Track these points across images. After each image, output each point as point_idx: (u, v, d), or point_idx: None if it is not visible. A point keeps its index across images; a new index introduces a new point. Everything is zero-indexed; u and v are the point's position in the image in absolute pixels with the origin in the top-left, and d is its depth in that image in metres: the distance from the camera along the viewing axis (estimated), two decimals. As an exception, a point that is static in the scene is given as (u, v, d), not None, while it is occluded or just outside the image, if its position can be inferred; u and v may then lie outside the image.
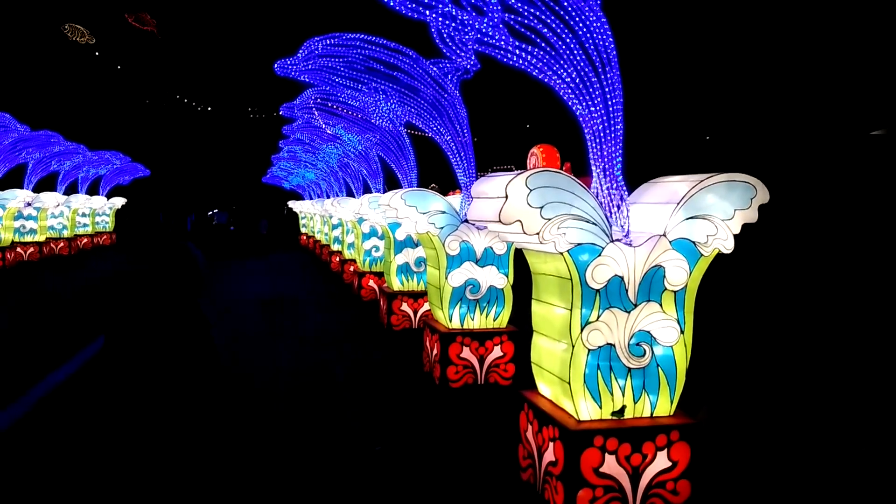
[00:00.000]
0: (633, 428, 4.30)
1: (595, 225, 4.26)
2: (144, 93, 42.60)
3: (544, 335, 4.71)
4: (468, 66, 4.78)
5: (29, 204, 21.07)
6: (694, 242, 4.36)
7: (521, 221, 4.06)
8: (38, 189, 22.41)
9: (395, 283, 10.44)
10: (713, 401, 6.65)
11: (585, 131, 4.54)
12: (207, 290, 4.68)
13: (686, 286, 4.42)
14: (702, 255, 4.39)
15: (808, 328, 10.77)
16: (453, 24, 4.45)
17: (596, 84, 4.48)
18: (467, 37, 4.44)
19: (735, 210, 4.34)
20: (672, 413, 4.48)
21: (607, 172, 4.53)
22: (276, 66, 7.27)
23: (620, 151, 4.54)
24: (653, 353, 4.40)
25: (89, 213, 28.23)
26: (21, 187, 20.83)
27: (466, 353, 7.32)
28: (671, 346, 4.42)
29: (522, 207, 4.06)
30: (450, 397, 7.03)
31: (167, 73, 42.48)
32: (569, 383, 4.31)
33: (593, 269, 4.25)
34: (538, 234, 4.10)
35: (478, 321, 7.48)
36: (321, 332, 10.36)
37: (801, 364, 8.65)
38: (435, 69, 7.29)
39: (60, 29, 36.47)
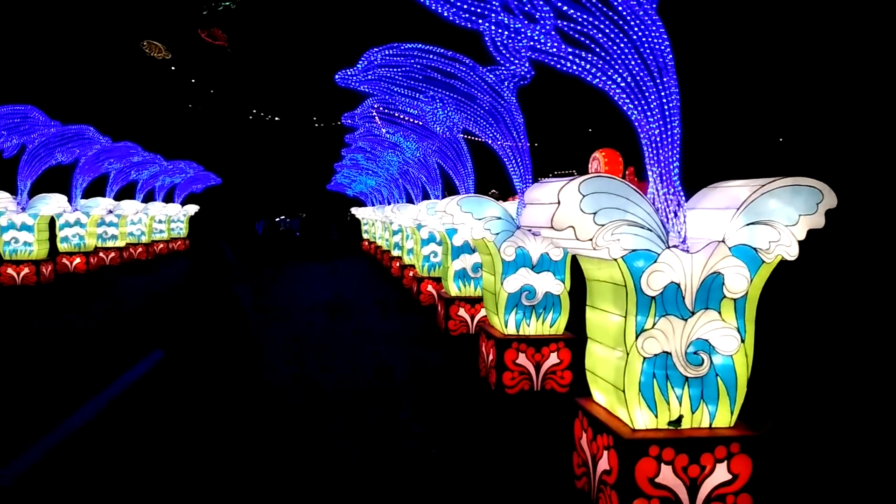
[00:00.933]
0: (691, 438, 4.20)
1: (650, 231, 4.20)
2: (216, 104, 44.44)
3: (599, 342, 4.67)
4: (524, 74, 4.79)
5: (111, 211, 22.31)
6: (755, 249, 4.24)
7: (573, 227, 4.05)
8: (118, 197, 23.69)
9: (453, 289, 10.51)
10: (778, 413, 6.40)
11: (641, 137, 4.49)
12: (240, 278, 4.96)
13: (747, 294, 4.29)
14: (764, 261, 4.26)
15: (877, 337, 10.20)
16: (506, 33, 4.48)
17: (652, 89, 4.42)
18: (521, 45, 4.47)
19: (800, 215, 4.19)
20: (732, 424, 4.35)
21: (664, 178, 4.46)
22: (336, 77, 7.49)
23: (678, 156, 4.47)
24: (711, 362, 4.29)
25: (165, 219, 29.63)
26: (103, 196, 22.08)
27: (522, 359, 7.31)
28: (731, 356, 4.30)
29: (575, 213, 4.05)
30: (505, 403, 7.04)
31: (238, 85, 44.19)
32: (623, 391, 4.26)
33: (648, 276, 4.19)
34: (591, 240, 4.08)
35: (534, 327, 7.45)
36: (380, 337, 10.54)
37: (870, 375, 8.21)
38: (491, 76, 7.34)
39: (139, 46, 38.52)
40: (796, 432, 6.12)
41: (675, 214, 4.39)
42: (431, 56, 7.31)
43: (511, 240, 7.33)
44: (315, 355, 9.26)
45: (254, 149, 46.12)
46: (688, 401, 4.30)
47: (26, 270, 16.29)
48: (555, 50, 4.40)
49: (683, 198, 4.46)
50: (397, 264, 17.81)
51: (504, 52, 4.66)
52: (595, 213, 4.06)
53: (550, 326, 7.49)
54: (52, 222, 18.32)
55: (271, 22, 41.09)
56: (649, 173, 4.52)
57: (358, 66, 7.38)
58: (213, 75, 43.13)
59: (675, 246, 4.28)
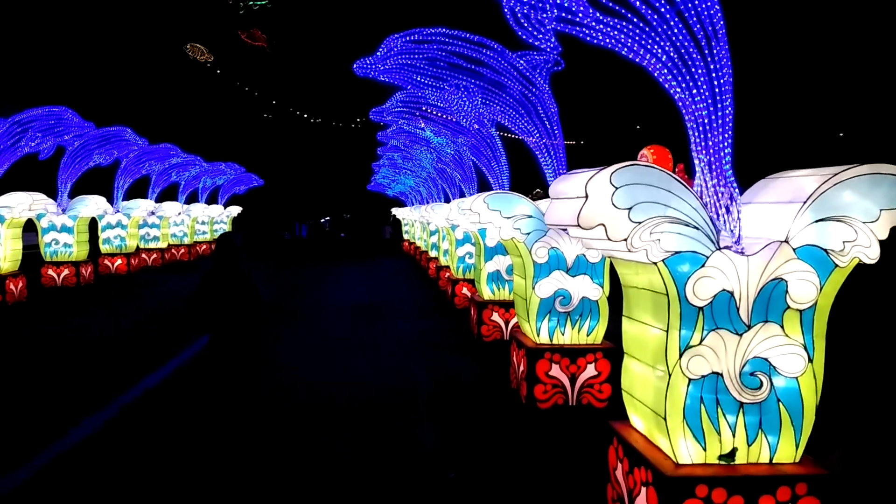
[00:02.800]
0: (747, 477, 3.53)
1: (697, 229, 3.54)
2: (258, 106, 44.91)
3: (636, 359, 4.03)
4: (548, 48, 4.19)
5: (152, 213, 22.50)
6: (826, 250, 3.54)
7: (604, 225, 3.43)
8: (161, 199, 23.92)
9: (486, 292, 9.93)
10: (850, 446, 5.59)
11: (686, 118, 3.83)
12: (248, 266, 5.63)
13: (815, 304, 3.59)
14: (836, 265, 3.55)
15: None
16: (530, 1, 3.89)
17: (699, 62, 3.76)
18: (545, 15, 3.87)
19: (881, 210, 3.48)
20: (797, 460, 3.66)
21: (714, 167, 3.80)
22: (355, 66, 7.00)
23: (730, 142, 3.80)
24: (772, 384, 3.61)
25: (208, 220, 29.90)
26: (146, 198, 22.29)
27: (556, 370, 6.67)
28: (796, 378, 3.61)
29: (606, 209, 3.43)
30: (536, 419, 6.42)
31: (279, 86, 44.54)
32: (664, 418, 3.61)
33: (695, 283, 3.54)
34: (625, 240, 3.45)
35: (569, 336, 6.81)
36: (409, 342, 10.04)
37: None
38: (522, 62, 6.74)
39: (181, 48, 39.21)
40: (872, 469, 5.32)
41: (728, 210, 3.72)
42: (456, 41, 6.76)
43: (543, 240, 6.71)
44: (338, 360, 8.81)
45: (295, 150, 46.43)
46: (743, 431, 3.62)
47: (66, 272, 16.43)
48: (586, 20, 3.78)
49: (737, 191, 3.78)
50: (434, 265, 17.32)
51: (526, 25, 4.07)
52: (630, 209, 3.44)
53: (587, 335, 6.84)
54: (93, 224, 18.50)
55: (315, 23, 41.26)
56: (696, 161, 3.87)
57: (377, 53, 6.88)
58: (254, 76, 43.59)
59: (727, 247, 3.62)
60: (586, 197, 3.44)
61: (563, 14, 3.76)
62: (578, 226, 3.49)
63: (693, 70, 3.76)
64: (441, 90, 7.20)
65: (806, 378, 3.62)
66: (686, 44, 3.67)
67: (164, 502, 4.68)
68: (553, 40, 4.16)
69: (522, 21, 4.08)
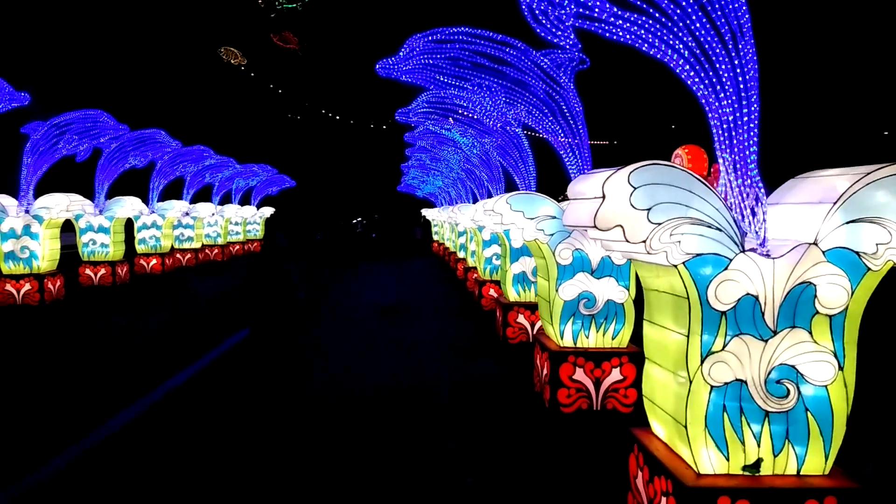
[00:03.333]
0: (773, 489, 3.39)
1: (720, 231, 3.42)
2: (290, 108, 45.46)
3: (657, 364, 3.91)
4: (567, 45, 4.10)
5: (187, 214, 22.92)
6: (857, 253, 3.38)
7: (621, 227, 3.33)
8: (195, 200, 24.35)
9: (511, 294, 9.83)
10: (884, 458, 5.35)
11: (710, 116, 3.71)
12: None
13: (846, 309, 3.43)
14: (869, 269, 3.39)
15: None
16: (547, -2, 3.81)
17: (724, 58, 3.63)
18: (563, 11, 3.78)
19: (917, 211, 3.31)
20: (827, 472, 3.50)
21: (738, 167, 3.67)
22: (377, 66, 6.99)
23: (756, 141, 3.66)
24: (799, 393, 3.46)
25: (241, 221, 30.34)
26: (180, 199, 22.71)
27: (580, 374, 6.55)
28: (825, 386, 3.46)
29: (624, 209, 3.33)
30: (559, 423, 6.31)
31: (310, 89, 45.01)
32: (685, 426, 3.49)
33: (718, 286, 3.41)
34: (644, 242, 3.35)
35: (593, 339, 6.68)
36: (434, 343, 9.99)
37: None
38: (546, 60, 6.64)
39: (216, 52, 39.94)
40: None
41: (753, 211, 3.58)
42: (479, 40, 6.68)
43: (567, 241, 6.59)
44: (363, 360, 8.82)
45: (327, 152, 46.87)
46: (768, 441, 3.48)
47: (103, 271, 16.81)
48: (604, 15, 3.68)
49: (763, 191, 3.64)
50: (462, 266, 17.26)
51: (545, 22, 3.98)
52: (649, 210, 3.33)
53: (612, 338, 6.70)
54: (128, 224, 18.91)
55: (347, 25, 41.62)
56: (720, 161, 3.73)
57: (399, 54, 6.86)
58: (286, 78, 44.16)
59: (751, 249, 3.48)
60: (603, 197, 3.34)
61: (581, 10, 3.66)
62: (595, 227, 3.40)
63: (717, 66, 3.63)
64: (464, 90, 7.14)
65: (836, 386, 3.46)
66: (710, 39, 3.54)
67: (177, 495, 4.72)
68: (572, 37, 4.07)
69: (541, 18, 4.00)
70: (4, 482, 4.94)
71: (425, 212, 31.16)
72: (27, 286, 13.45)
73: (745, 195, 3.60)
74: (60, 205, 13.90)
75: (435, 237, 30.57)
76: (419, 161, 20.20)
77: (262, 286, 5.92)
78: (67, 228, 16.36)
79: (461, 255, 18.05)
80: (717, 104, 3.64)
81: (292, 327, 5.92)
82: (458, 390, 7.46)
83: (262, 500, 4.70)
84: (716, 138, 3.70)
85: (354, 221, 51.50)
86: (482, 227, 12.48)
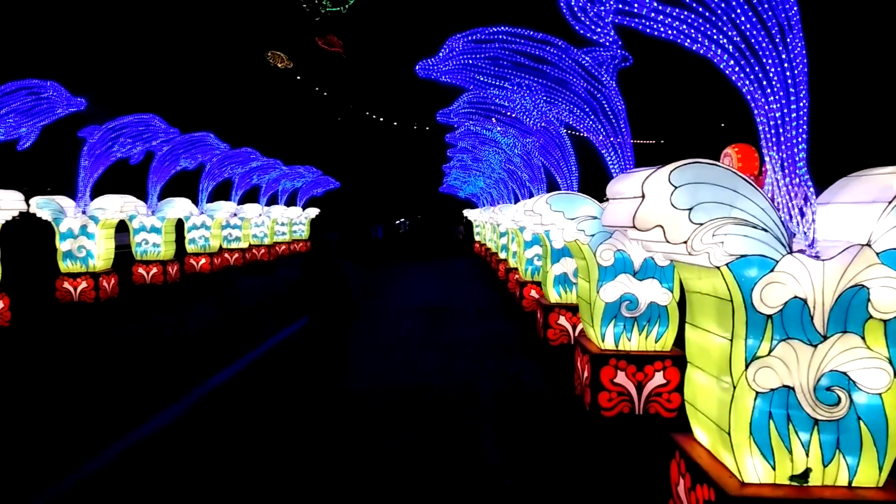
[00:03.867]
0: (823, 501, 3.26)
1: (766, 231, 3.30)
2: (334, 110, 46.08)
3: (700, 368, 3.80)
4: (607, 42, 4.03)
5: (234, 214, 23.47)
6: (914, 255, 3.22)
7: (661, 227, 3.25)
8: (242, 201, 24.91)
9: (553, 295, 9.72)
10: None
11: (756, 113, 3.59)
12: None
13: (902, 314, 3.27)
14: (927, 272, 3.22)
15: None
16: (586, -5, 3.75)
17: (771, 53, 3.51)
18: (602, 8, 3.71)
19: (980, 210, 3.13)
20: (881, 484, 3.34)
21: (786, 165, 3.54)
22: (417, 67, 7.01)
23: (805, 138, 3.52)
24: (851, 401, 3.32)
25: (287, 222, 30.90)
26: (228, 200, 23.27)
27: (621, 377, 6.43)
28: (879, 394, 3.30)
29: (664, 209, 3.25)
30: (600, 427, 6.20)
31: (355, 90, 45.54)
32: (729, 433, 3.38)
33: (763, 289, 3.30)
34: (685, 242, 3.26)
35: (636, 342, 6.55)
36: (475, 344, 9.97)
37: None
38: (587, 58, 6.54)
39: (263, 56, 40.81)
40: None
41: (801, 211, 3.45)
42: (519, 39, 6.63)
43: (609, 242, 6.48)
44: (401, 360, 8.85)
45: (371, 153, 47.34)
46: (818, 450, 3.35)
47: (155, 270, 17.35)
48: (643, 11, 3.61)
49: (813, 190, 3.50)
50: (503, 267, 17.18)
51: (584, 19, 3.92)
52: (691, 210, 3.24)
53: (656, 342, 6.55)
54: (179, 225, 19.46)
55: (390, 27, 41.98)
56: (767, 159, 3.61)
57: (439, 54, 6.86)
58: (331, 81, 44.80)
59: (800, 251, 3.35)
60: (643, 197, 3.27)
61: (621, 6, 3.59)
62: (634, 227, 3.32)
63: (764, 61, 3.51)
64: (504, 89, 7.10)
65: (891, 395, 3.30)
66: (756, 33, 3.43)
67: (222, 487, 4.82)
68: (612, 34, 3.99)
69: (580, 15, 3.94)
70: (56, 474, 5.13)
71: (467, 212, 31.15)
72: (83, 284, 13.98)
73: (793, 195, 3.47)
74: (115, 206, 14.40)
75: (476, 238, 30.55)
76: (461, 162, 20.20)
77: (317, 281, 6.25)
78: (122, 229, 16.96)
79: (502, 255, 17.97)
80: (763, 101, 3.52)
81: (347, 319, 6.29)
82: (498, 392, 7.42)
83: (300, 494, 4.77)
84: (762, 136, 3.58)
85: (398, 222, 51.96)
86: (523, 227, 12.38)
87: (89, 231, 14.25)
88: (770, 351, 3.32)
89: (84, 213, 14.30)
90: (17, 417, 6.54)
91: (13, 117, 10.81)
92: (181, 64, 37.90)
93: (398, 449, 5.64)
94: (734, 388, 3.36)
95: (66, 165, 16.60)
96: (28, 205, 12.31)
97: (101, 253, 14.39)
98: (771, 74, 3.51)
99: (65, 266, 14.21)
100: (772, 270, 3.30)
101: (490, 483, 4.96)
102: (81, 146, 14.54)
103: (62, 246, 14.22)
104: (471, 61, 6.79)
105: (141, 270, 17.33)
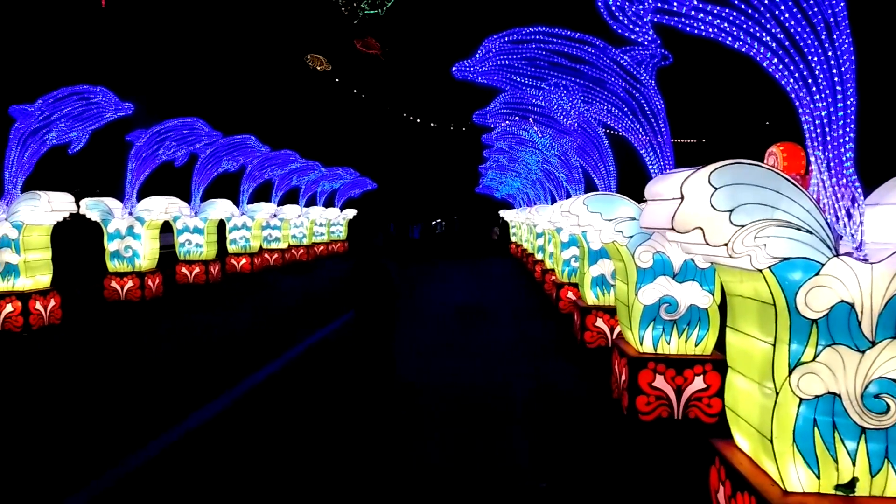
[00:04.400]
0: (869, 511, 3.15)
1: (811, 233, 3.21)
2: (372, 112, 46.49)
3: (741, 374, 3.72)
4: (646, 41, 3.97)
5: (274, 215, 23.88)
6: (970, 258, 3.09)
7: (701, 229, 3.19)
8: (282, 202, 25.32)
9: (590, 297, 9.62)
10: None
11: (801, 112, 3.49)
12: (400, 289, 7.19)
13: (956, 320, 3.15)
14: (983, 276, 3.09)
15: None
16: (623, -7, 3.71)
17: (816, 49, 3.41)
18: (641, 7, 3.66)
19: None
20: (932, 496, 3.22)
21: (832, 165, 3.44)
22: (454, 69, 7.02)
23: (852, 137, 3.42)
24: (901, 409, 3.20)
25: (325, 223, 31.30)
26: (269, 201, 23.70)
27: (660, 381, 6.33)
28: (931, 403, 3.18)
29: (704, 211, 3.19)
30: (637, 432, 6.11)
31: (393, 92, 45.86)
32: (771, 441, 3.30)
33: (808, 293, 3.21)
34: (726, 244, 3.19)
35: (675, 345, 6.44)
36: (510, 346, 9.94)
37: None
38: (626, 57, 6.46)
39: (302, 59, 41.42)
40: None
41: (848, 213, 3.35)
42: (556, 39, 6.59)
43: (647, 244, 6.39)
44: (436, 360, 8.88)
45: (408, 154, 47.62)
46: (865, 459, 3.24)
47: (197, 270, 17.76)
48: (683, 9, 3.55)
49: (860, 191, 3.39)
50: (540, 268, 17.08)
51: (622, 18, 3.87)
52: (731, 211, 3.17)
53: (696, 345, 6.43)
54: (221, 226, 19.88)
55: (428, 29, 42.17)
56: (812, 159, 3.51)
57: (476, 55, 6.86)
58: (369, 83, 45.22)
59: (847, 253, 3.25)
60: (682, 198, 3.21)
61: (661, 4, 3.54)
62: (673, 229, 3.27)
63: (809, 59, 3.42)
64: (540, 90, 7.06)
65: (944, 404, 3.17)
66: (800, 30, 3.34)
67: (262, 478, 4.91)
68: (651, 33, 3.94)
69: (618, 14, 3.89)
70: (103, 466, 5.30)
71: (503, 213, 31.06)
72: (130, 283, 14.41)
73: (839, 196, 3.37)
74: (160, 207, 14.81)
75: (513, 238, 30.45)
76: (497, 162, 20.16)
77: (365, 278, 6.85)
78: (166, 229, 17.41)
79: (539, 256, 17.87)
80: (808, 99, 3.42)
81: (392, 314, 6.88)
82: (534, 394, 7.38)
83: (335, 487, 4.82)
84: (807, 135, 3.49)
85: (434, 223, 52.17)
86: (560, 228, 12.30)
87: (135, 232, 14.68)
88: (815, 357, 3.23)
89: (131, 214, 14.73)
90: (64, 412, 6.77)
91: (65, 122, 11.20)
92: (223, 68, 38.75)
93: (433, 448, 5.66)
94: (777, 394, 3.28)
95: (113, 168, 17.14)
96: (78, 206, 12.76)
97: (146, 253, 14.80)
98: (817, 72, 3.41)
99: (112, 266, 14.66)
100: (817, 274, 3.21)
101: (524, 486, 4.94)
102: (129, 149, 14.99)
103: (110, 246, 14.68)
104: (507, 62, 6.77)
105: (184, 270, 17.75)
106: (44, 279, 11.44)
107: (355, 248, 8.42)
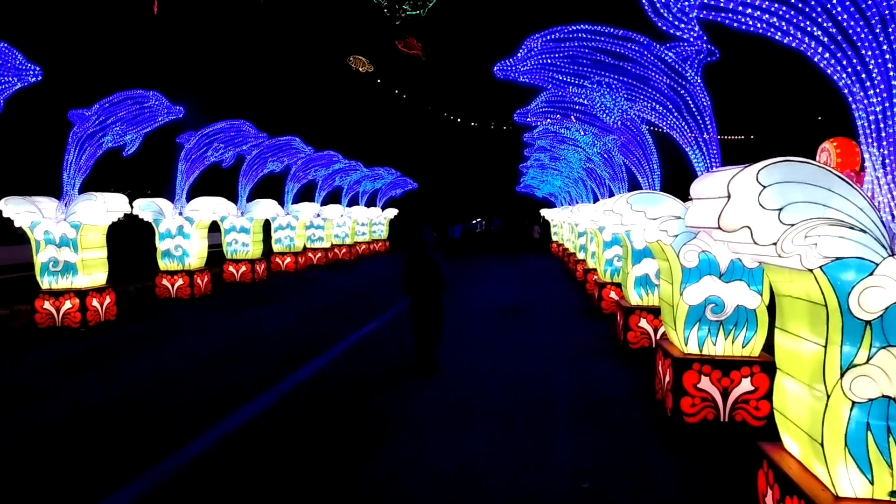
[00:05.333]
0: (925, 518, 3.06)
1: (864, 232, 3.13)
2: (414, 112, 46.77)
3: (791, 376, 3.64)
4: (692, 38, 3.92)
5: (318, 215, 24.28)
6: None
7: (749, 228, 3.14)
8: (325, 202, 25.71)
9: (633, 297, 9.51)
10: None
11: (854, 107, 3.40)
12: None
13: None
14: None
15: None
16: (669, -10, 3.67)
17: (870, 43, 3.32)
18: (687, 3, 3.62)
19: None
20: None
21: (888, 163, 3.34)
22: (495, 69, 7.03)
23: (910, 132, 3.31)
24: (961, 414, 3.09)
25: (367, 223, 31.64)
26: (312, 201, 24.10)
27: (705, 383, 6.21)
28: None
29: (751, 209, 3.14)
30: (682, 434, 6.03)
31: (434, 92, 46.03)
32: (822, 444, 3.23)
33: (861, 293, 3.13)
34: (775, 244, 3.13)
35: (721, 347, 6.31)
36: (552, 345, 9.89)
37: None
38: (670, 54, 6.37)
39: (345, 61, 41.95)
40: None
41: (905, 210, 3.24)
42: (599, 37, 6.53)
43: (693, 243, 6.28)
44: (477, 359, 8.90)
45: (449, 154, 47.74)
46: (922, 465, 3.14)
47: (244, 268, 18.19)
48: (730, 4, 3.49)
49: (918, 188, 3.29)
50: (581, 268, 16.93)
51: (667, 15, 3.83)
52: (781, 210, 3.12)
53: (743, 346, 6.30)
54: (266, 225, 20.31)
55: (469, 29, 42.22)
56: (867, 156, 3.42)
57: (517, 55, 6.85)
58: (410, 83, 45.52)
59: (902, 253, 3.16)
60: (728, 197, 3.17)
61: (707, 0, 3.49)
62: (720, 228, 3.23)
63: (863, 53, 3.33)
64: (583, 88, 7.01)
65: None
66: (853, 24, 3.25)
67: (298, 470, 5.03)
68: (697, 29, 3.88)
69: (662, 11, 3.85)
70: (160, 453, 5.50)
71: (544, 212, 30.87)
72: (180, 281, 14.85)
73: (894, 193, 3.27)
74: (208, 207, 15.22)
75: (554, 238, 30.23)
76: (538, 161, 20.04)
77: (418, 269, 8.11)
78: (213, 229, 17.88)
79: (581, 256, 17.71)
80: (862, 95, 3.33)
81: (439, 292, 8.18)
82: (577, 393, 7.34)
83: (376, 486, 4.90)
84: (861, 132, 3.40)
85: (474, 222, 52.18)
86: (603, 227, 12.18)
87: (185, 231, 15.12)
88: (868, 359, 3.14)
89: (181, 214, 15.17)
90: (119, 403, 7.04)
91: (120, 125, 11.62)
92: (269, 71, 39.55)
93: (473, 448, 5.69)
94: (828, 396, 3.21)
95: (164, 170, 17.68)
96: (132, 207, 13.21)
97: (195, 252, 15.24)
98: (871, 67, 3.32)
99: (163, 264, 15.14)
100: (871, 274, 3.12)
101: (566, 486, 4.93)
102: (178, 151, 15.45)
103: (161, 245, 15.17)
104: (549, 60, 6.74)
105: (231, 269, 18.20)
106: (100, 277, 11.89)
107: (407, 243, 9.23)
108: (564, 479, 5.04)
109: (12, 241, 16.57)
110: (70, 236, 11.34)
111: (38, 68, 9.22)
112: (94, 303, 11.50)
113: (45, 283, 11.40)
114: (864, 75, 3.36)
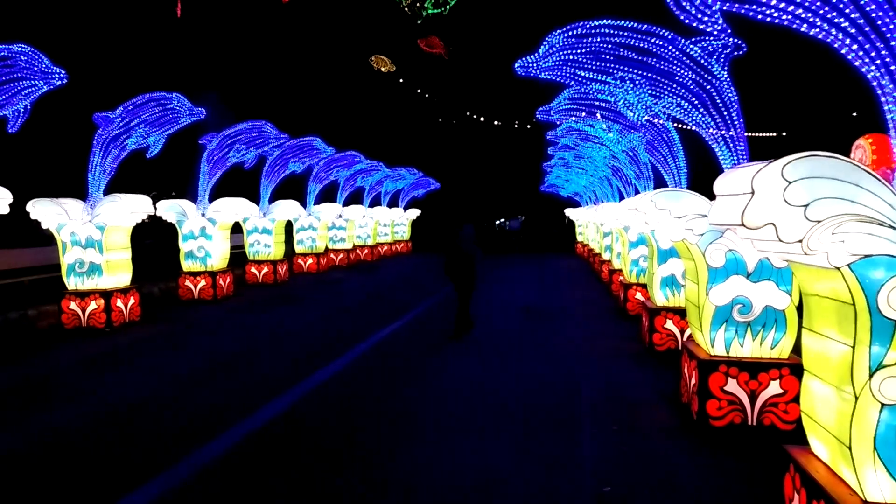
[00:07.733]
0: (962, 527, 2.93)
1: (894, 229, 3.01)
2: (436, 112, 46.78)
3: (818, 377, 3.52)
4: (715, 31, 3.82)
5: (340, 216, 24.39)
6: None
7: (773, 225, 3.04)
8: (347, 203, 25.81)
9: (659, 298, 9.35)
10: None
11: (882, 101, 3.28)
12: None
13: None
14: None
15: None
16: (690, -18, 3.58)
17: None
18: (709, -5, 3.53)
19: None
20: None
21: (921, 155, 3.21)
22: (516, 65, 6.95)
23: (944, 124, 3.18)
24: None
25: (389, 223, 31.70)
26: (334, 202, 24.22)
27: (732, 385, 6.07)
28: None
29: (776, 206, 3.04)
30: (708, 438, 5.90)
31: (456, 91, 46.01)
32: (849, 447, 3.12)
33: (891, 292, 3.01)
34: (801, 241, 3.03)
35: (749, 348, 6.16)
36: (576, 346, 9.78)
37: None
38: (696, 49, 6.24)
39: (367, 60, 42.11)
40: None
41: (938, 206, 3.11)
42: (622, 32, 6.43)
43: (719, 242, 6.13)
44: (500, 361, 8.84)
45: (472, 153, 47.66)
46: (957, 471, 3.01)
47: (266, 269, 18.33)
48: (754, -5, 3.39)
49: (953, 182, 3.16)
50: (607, 268, 16.75)
51: (689, 8, 3.74)
52: (807, 206, 3.01)
53: (771, 348, 6.14)
54: (288, 226, 20.44)
55: (492, 28, 42.12)
56: (895, 150, 3.29)
57: (538, 51, 6.77)
58: (433, 83, 45.58)
59: (936, 250, 3.03)
60: (752, 193, 3.07)
61: (729, -8, 3.40)
62: (743, 225, 3.13)
63: (892, 45, 3.21)
64: (606, 84, 6.91)
65: None
66: (881, 14, 3.13)
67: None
68: (721, 22, 3.78)
69: (685, 4, 3.76)
70: (187, 447, 5.54)
71: (568, 212, 30.64)
72: (203, 282, 15.00)
73: (928, 188, 3.15)
74: (230, 208, 15.35)
75: (579, 238, 29.98)
76: (562, 160, 19.89)
77: (457, 261, 10.06)
78: (236, 230, 18.04)
79: (606, 256, 17.52)
80: (892, 86, 3.21)
81: (474, 278, 10.18)
82: (601, 396, 7.24)
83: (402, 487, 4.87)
84: (891, 125, 3.27)
85: (498, 222, 52.03)
86: (628, 227, 12.02)
87: (208, 232, 15.27)
88: (900, 360, 3.03)
89: (203, 215, 15.32)
90: (143, 402, 7.12)
91: (143, 127, 11.78)
92: (290, 71, 39.87)
93: (495, 449, 5.64)
94: (856, 398, 3.09)
95: (187, 171, 17.89)
96: (155, 208, 13.39)
97: (218, 253, 15.38)
98: (902, 57, 3.20)
99: (186, 265, 15.31)
100: (902, 272, 3.00)
101: (588, 489, 4.85)
102: (201, 153, 15.61)
103: (184, 246, 15.34)
104: (571, 57, 6.65)
105: (253, 269, 18.35)
106: (125, 278, 12.06)
107: (447, 239, 10.76)
108: (587, 483, 4.95)
109: (41, 243, 16.90)
110: (95, 238, 11.52)
111: (63, 72, 9.38)
112: (119, 303, 11.67)
113: (72, 283, 11.59)
114: (893, 66, 3.24)
